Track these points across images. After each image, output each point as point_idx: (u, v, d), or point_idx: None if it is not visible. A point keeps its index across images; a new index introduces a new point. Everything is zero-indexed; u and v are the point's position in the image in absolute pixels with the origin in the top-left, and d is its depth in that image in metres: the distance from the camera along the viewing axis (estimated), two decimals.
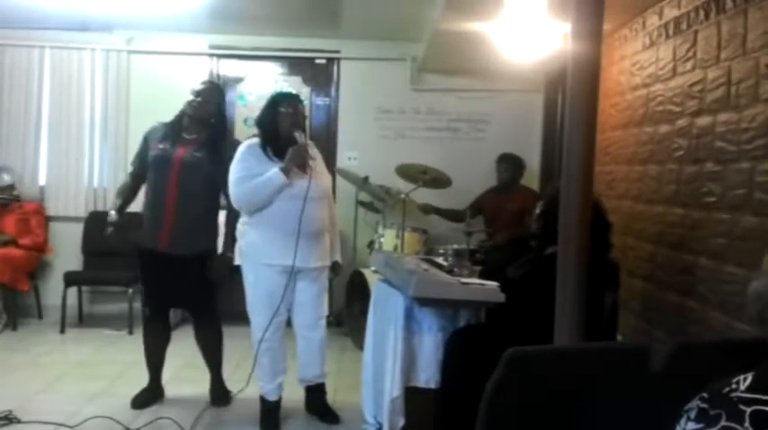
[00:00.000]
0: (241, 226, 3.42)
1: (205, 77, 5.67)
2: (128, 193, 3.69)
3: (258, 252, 3.33)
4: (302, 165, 3.29)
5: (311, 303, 3.46)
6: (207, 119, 3.56)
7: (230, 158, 3.43)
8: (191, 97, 3.53)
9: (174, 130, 3.56)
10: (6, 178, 5.50)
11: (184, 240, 3.50)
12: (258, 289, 3.35)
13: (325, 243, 3.48)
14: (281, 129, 3.34)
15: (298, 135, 3.27)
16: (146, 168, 3.59)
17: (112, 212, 3.60)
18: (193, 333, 3.79)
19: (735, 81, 2.87)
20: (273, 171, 3.24)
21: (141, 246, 3.59)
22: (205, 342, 3.77)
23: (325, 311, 3.57)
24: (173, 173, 3.48)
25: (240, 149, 3.37)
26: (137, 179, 3.68)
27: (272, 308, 3.33)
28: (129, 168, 3.79)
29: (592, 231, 2.04)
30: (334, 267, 3.64)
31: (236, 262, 3.63)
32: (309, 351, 3.52)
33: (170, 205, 3.49)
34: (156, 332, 3.73)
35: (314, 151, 3.47)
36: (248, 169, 3.27)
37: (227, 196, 3.50)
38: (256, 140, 3.39)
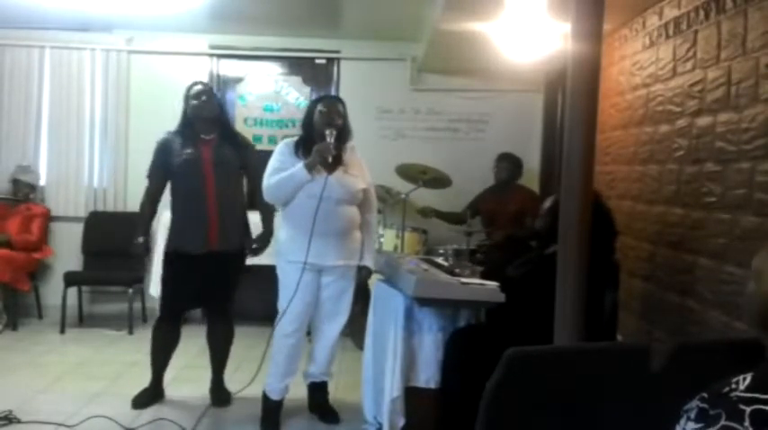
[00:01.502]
0: (276, 223, 3.51)
1: (204, 78, 5.70)
2: (151, 210, 3.73)
3: (284, 249, 3.40)
4: (326, 163, 3.29)
5: (331, 299, 3.47)
6: (215, 117, 3.67)
7: (252, 150, 3.79)
8: (193, 101, 3.61)
9: (191, 135, 3.63)
10: (32, 178, 5.52)
11: (229, 237, 3.59)
12: (285, 286, 3.38)
13: (351, 243, 3.45)
14: (316, 128, 3.38)
15: (327, 133, 3.29)
16: (166, 179, 3.65)
17: (141, 239, 3.67)
18: (206, 331, 3.80)
19: (735, 81, 2.87)
20: (298, 166, 3.29)
21: (180, 250, 3.58)
22: (216, 341, 3.79)
23: (346, 311, 3.54)
24: (207, 173, 3.56)
25: (278, 145, 3.51)
26: (157, 192, 3.70)
27: (295, 305, 3.32)
28: (145, 182, 3.76)
29: (597, 234, 2.04)
30: (362, 271, 3.56)
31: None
32: (323, 345, 3.54)
33: (212, 205, 3.56)
34: (166, 334, 3.73)
35: (352, 155, 3.49)
36: (281, 162, 3.37)
37: (253, 191, 3.70)
38: (293, 138, 3.51)
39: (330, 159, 3.27)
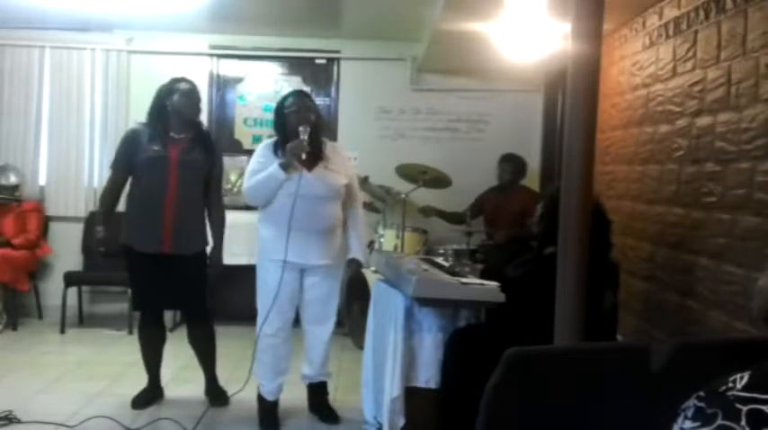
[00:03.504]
0: (258, 223, 3.47)
1: (204, 78, 5.70)
2: (112, 200, 3.66)
3: (264, 248, 3.39)
4: (301, 159, 3.27)
5: (319, 301, 3.47)
6: (195, 118, 3.61)
7: (219, 157, 3.71)
8: (180, 99, 3.52)
9: (161, 131, 3.53)
10: (13, 178, 5.49)
11: (185, 240, 3.52)
12: (265, 285, 3.37)
13: (334, 242, 3.46)
14: (288, 129, 3.36)
15: (301, 129, 3.27)
16: (130, 171, 3.56)
17: (99, 229, 3.59)
18: (186, 334, 3.78)
19: (735, 81, 2.87)
20: (273, 166, 3.28)
21: (135, 248, 3.53)
22: (198, 342, 3.76)
23: (334, 313, 3.55)
24: (171, 174, 3.48)
25: (258, 147, 3.50)
26: (120, 184, 3.62)
27: (276, 304, 3.33)
28: (109, 172, 3.72)
29: (592, 231, 2.04)
30: (351, 263, 3.59)
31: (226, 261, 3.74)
32: (315, 346, 3.53)
33: (170, 206, 3.49)
34: (151, 334, 3.73)
35: (334, 151, 3.49)
36: (260, 164, 3.36)
37: (216, 195, 3.67)
38: (272, 140, 3.48)
39: (303, 156, 3.26)
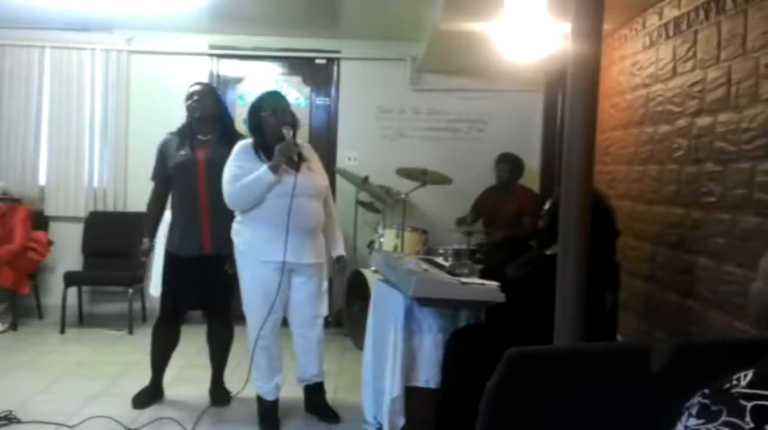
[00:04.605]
0: (236, 224, 3.42)
1: (204, 78, 5.71)
2: (158, 213, 3.74)
3: (252, 250, 3.35)
4: (291, 161, 3.28)
5: (307, 302, 3.46)
6: (211, 116, 3.64)
7: None
8: (186, 102, 3.62)
9: (189, 135, 3.63)
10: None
11: (222, 240, 3.54)
12: (254, 287, 3.36)
13: (320, 240, 3.48)
14: (267, 131, 3.35)
15: (285, 131, 3.27)
16: (168, 180, 3.65)
17: (146, 241, 3.70)
18: (206, 331, 3.80)
19: (735, 81, 2.87)
20: (262, 169, 3.25)
21: (174, 253, 3.61)
22: (217, 341, 3.78)
23: (324, 311, 3.55)
24: (200, 175, 3.54)
25: (235, 149, 3.40)
26: (163, 194, 3.72)
27: (267, 305, 3.32)
28: (146, 182, 3.81)
29: (597, 234, 2.04)
30: (339, 261, 3.63)
31: None
32: (306, 350, 3.52)
33: (204, 207, 3.55)
34: (167, 334, 3.74)
35: (310, 152, 3.52)
36: (241, 168, 3.30)
37: None
38: (250, 141, 3.44)
39: (296, 158, 3.27)
